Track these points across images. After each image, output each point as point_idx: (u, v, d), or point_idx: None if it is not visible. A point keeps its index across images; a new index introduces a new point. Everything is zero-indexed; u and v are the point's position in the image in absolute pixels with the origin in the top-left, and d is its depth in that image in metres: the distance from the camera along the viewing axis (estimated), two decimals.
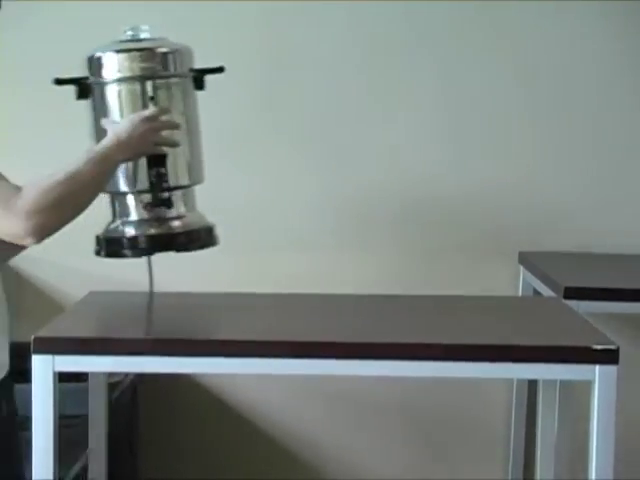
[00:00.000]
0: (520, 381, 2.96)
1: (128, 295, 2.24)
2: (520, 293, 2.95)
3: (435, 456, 3.08)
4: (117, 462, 2.45)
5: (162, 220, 2.01)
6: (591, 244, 2.99)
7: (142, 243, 2.00)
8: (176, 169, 2.00)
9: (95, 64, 1.99)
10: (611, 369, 1.75)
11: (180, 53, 2.02)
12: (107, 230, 2.05)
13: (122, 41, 2.02)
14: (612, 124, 3.01)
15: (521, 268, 2.95)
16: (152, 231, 2.01)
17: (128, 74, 1.97)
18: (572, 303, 2.27)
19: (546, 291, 2.62)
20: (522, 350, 1.80)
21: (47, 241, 2.91)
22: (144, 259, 2.08)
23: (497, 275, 2.99)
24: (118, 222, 2.04)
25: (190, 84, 2.03)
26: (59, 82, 1.98)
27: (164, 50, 2.00)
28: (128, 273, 2.89)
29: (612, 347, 1.77)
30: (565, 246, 2.99)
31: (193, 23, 2.89)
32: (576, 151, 3.02)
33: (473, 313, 2.10)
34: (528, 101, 3.00)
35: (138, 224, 2.01)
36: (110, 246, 2.03)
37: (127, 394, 2.74)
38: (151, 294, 2.13)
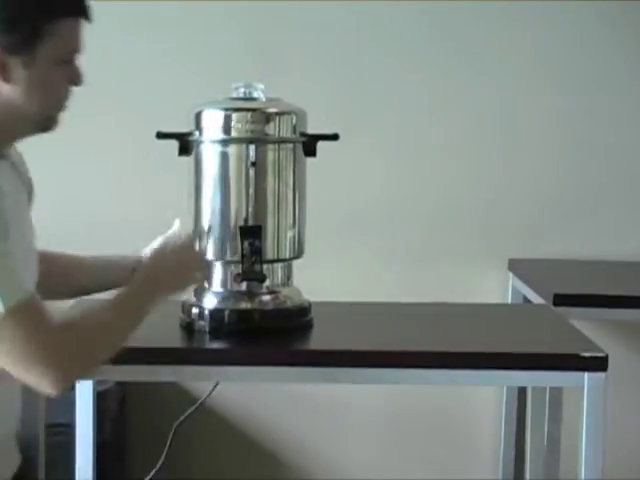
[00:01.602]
0: (510, 387, 2.96)
1: None
2: (510, 300, 2.95)
3: (426, 463, 3.07)
4: (105, 471, 2.44)
5: (253, 294, 1.86)
6: (580, 251, 2.99)
7: (226, 317, 1.85)
8: (276, 241, 1.87)
9: (200, 120, 1.86)
10: (600, 376, 1.76)
11: (293, 116, 1.87)
12: (192, 297, 1.90)
13: (232, 98, 1.89)
14: (603, 132, 3.01)
15: (510, 275, 2.95)
16: (239, 305, 1.86)
17: (233, 135, 1.83)
18: (561, 310, 2.28)
19: (535, 298, 2.62)
20: (512, 357, 1.80)
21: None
22: None
23: (487, 282, 2.99)
24: (205, 290, 1.90)
25: (300, 150, 1.88)
26: (161, 136, 1.84)
27: (275, 111, 1.86)
28: None
29: (601, 354, 1.78)
30: (554, 253, 2.99)
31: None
32: (566, 159, 3.03)
33: (463, 320, 2.10)
34: (520, 108, 3.00)
35: (225, 296, 1.87)
36: (191, 316, 1.88)
37: (115, 402, 2.73)
38: None
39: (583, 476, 1.77)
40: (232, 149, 1.85)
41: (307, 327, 1.92)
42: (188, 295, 1.92)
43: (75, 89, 1.53)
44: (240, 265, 1.84)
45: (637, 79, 2.99)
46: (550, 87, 2.99)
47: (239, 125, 1.84)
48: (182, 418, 2.15)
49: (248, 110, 1.86)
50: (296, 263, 1.94)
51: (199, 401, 2.11)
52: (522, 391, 2.93)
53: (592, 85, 3.00)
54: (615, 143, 3.02)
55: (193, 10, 2.93)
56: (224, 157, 1.86)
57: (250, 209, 1.86)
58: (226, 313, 1.86)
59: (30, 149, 1.92)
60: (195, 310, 1.89)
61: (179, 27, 2.95)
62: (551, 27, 2.97)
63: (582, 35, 2.97)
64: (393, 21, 2.97)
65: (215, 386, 2.05)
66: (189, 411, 2.14)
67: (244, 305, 1.87)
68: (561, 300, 2.41)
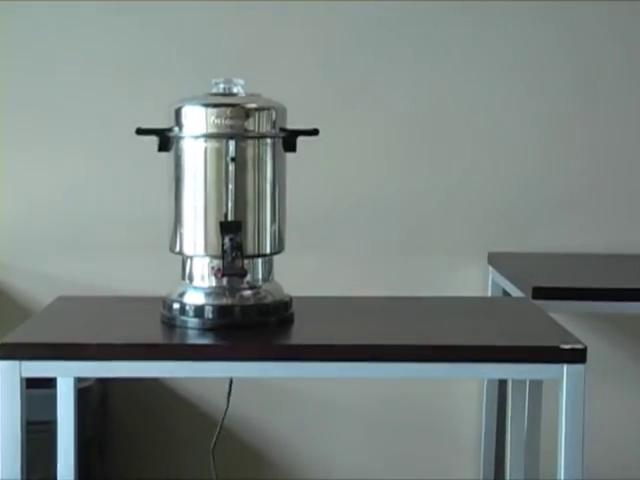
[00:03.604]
0: (490, 380, 2.97)
1: (96, 300, 2.23)
2: (489, 293, 2.97)
3: (405, 456, 3.09)
4: (87, 468, 2.44)
5: (234, 290, 1.88)
6: (559, 244, 3.01)
7: (208, 313, 1.86)
8: (256, 236, 1.88)
9: (180, 116, 1.87)
10: (579, 368, 1.77)
11: (272, 111, 1.88)
12: (173, 293, 1.92)
13: (212, 94, 1.90)
14: (581, 127, 3.03)
15: (490, 268, 2.97)
16: (220, 301, 1.87)
17: (213, 130, 1.84)
18: (540, 303, 2.29)
19: (515, 291, 2.63)
20: (491, 350, 1.81)
21: (15, 246, 2.95)
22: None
23: (466, 276, 3.01)
24: (186, 286, 1.91)
25: (280, 145, 1.90)
26: (140, 132, 1.86)
27: (255, 107, 1.87)
28: (96, 278, 2.90)
29: (579, 346, 1.79)
30: (533, 247, 3.01)
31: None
32: (544, 151, 3.04)
33: (442, 314, 2.11)
34: (499, 103, 3.01)
35: (207, 292, 1.88)
36: (172, 311, 1.89)
37: (97, 399, 2.73)
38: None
39: (563, 470, 1.78)
40: (212, 145, 1.86)
41: (288, 322, 1.94)
42: (169, 291, 1.93)
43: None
44: (221, 261, 1.85)
45: (620, 74, 3.01)
46: (533, 83, 3.01)
47: (219, 121, 1.85)
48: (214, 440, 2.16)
49: (228, 105, 1.87)
50: (277, 258, 1.95)
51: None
52: (503, 384, 2.95)
53: (573, 81, 3.01)
54: (593, 138, 3.04)
55: (173, 6, 2.92)
56: (204, 153, 1.87)
57: (230, 204, 1.87)
58: (207, 309, 1.87)
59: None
60: (176, 306, 1.90)
61: (159, 23, 2.95)
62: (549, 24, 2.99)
63: (573, 32, 2.99)
64: (374, 18, 2.97)
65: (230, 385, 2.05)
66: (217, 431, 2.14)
67: (225, 301, 1.88)
68: (540, 293, 2.42)
